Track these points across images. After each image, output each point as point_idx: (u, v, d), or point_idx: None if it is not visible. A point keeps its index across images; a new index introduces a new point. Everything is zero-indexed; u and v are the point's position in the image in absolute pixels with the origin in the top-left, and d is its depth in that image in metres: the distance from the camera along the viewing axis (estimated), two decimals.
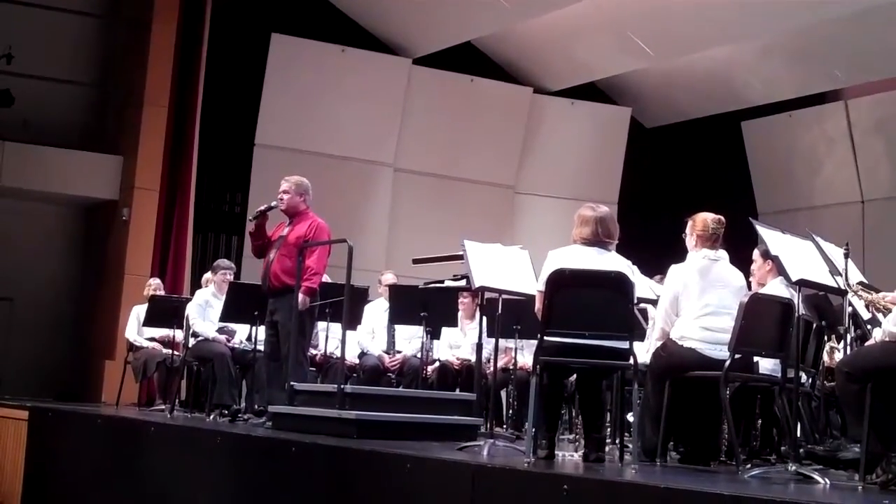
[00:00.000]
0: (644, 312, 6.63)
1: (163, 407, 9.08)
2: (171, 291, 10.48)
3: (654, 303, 6.26)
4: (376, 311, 9.11)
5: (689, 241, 5.73)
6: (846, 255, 5.50)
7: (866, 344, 5.40)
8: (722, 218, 5.72)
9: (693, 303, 5.52)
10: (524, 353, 8.21)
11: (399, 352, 8.99)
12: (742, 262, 6.10)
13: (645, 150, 13.54)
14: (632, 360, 5.25)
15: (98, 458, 7.38)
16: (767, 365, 5.76)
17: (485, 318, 6.71)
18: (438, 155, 12.72)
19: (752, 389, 5.95)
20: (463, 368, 8.62)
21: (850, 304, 5.80)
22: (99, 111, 11.91)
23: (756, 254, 6.44)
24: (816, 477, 4.81)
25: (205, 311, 8.84)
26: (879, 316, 5.44)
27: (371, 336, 9.08)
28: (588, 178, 13.12)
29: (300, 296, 6.99)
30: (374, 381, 8.69)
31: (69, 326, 11.54)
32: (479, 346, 6.62)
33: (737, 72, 12.23)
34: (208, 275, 9.37)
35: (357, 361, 8.96)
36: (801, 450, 5.44)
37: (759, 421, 6.25)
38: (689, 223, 5.75)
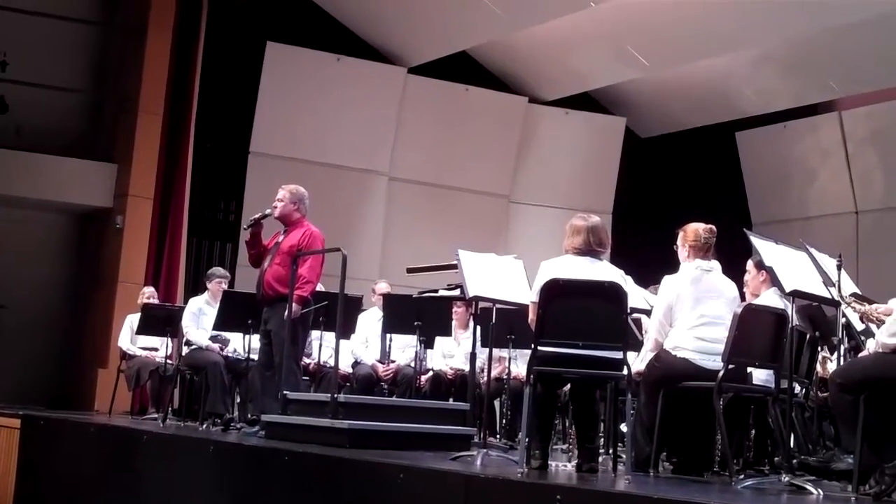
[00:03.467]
0: (638, 322, 6.63)
1: (155, 415, 9.06)
2: (165, 299, 10.47)
3: (647, 313, 6.26)
4: (370, 320, 9.10)
5: (682, 252, 5.72)
6: (839, 267, 5.51)
7: (860, 355, 5.40)
8: (713, 227, 5.72)
9: (686, 313, 5.51)
10: (518, 363, 8.21)
11: (393, 361, 8.97)
12: (736, 272, 6.10)
13: (639, 160, 13.55)
14: (625, 371, 5.24)
15: (90, 466, 7.36)
16: (761, 375, 5.76)
17: (478, 328, 6.71)
18: (433, 164, 12.72)
19: (746, 400, 5.95)
20: (456, 378, 8.61)
21: (844, 315, 5.80)
22: (93, 118, 11.90)
23: (750, 264, 6.45)
24: (809, 488, 4.82)
25: (198, 318, 8.83)
26: (873, 327, 5.44)
27: (365, 345, 9.06)
28: (582, 187, 13.12)
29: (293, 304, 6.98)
30: (367, 391, 8.68)
31: (62, 334, 11.51)
32: (473, 356, 6.61)
33: (731, 82, 12.25)
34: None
35: (350, 371, 8.95)
36: (795, 460, 5.44)
37: (753, 431, 6.26)
38: (681, 234, 5.74)
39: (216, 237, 12.25)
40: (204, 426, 8.04)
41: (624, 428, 6.02)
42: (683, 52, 11.52)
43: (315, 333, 8.38)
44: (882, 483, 4.45)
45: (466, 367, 7.71)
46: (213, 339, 8.73)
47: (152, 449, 6.83)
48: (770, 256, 5.58)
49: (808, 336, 6.14)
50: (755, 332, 5.33)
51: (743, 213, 12.77)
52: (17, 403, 9.47)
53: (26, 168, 10.88)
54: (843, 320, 5.81)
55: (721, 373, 5.20)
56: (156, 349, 9.51)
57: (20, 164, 10.86)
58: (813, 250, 5.65)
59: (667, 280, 5.67)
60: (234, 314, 8.10)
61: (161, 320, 9.17)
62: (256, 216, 7.48)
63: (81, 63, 11.86)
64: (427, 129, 12.66)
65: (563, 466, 5.76)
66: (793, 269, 5.53)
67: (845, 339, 5.97)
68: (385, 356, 9.02)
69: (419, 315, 8.17)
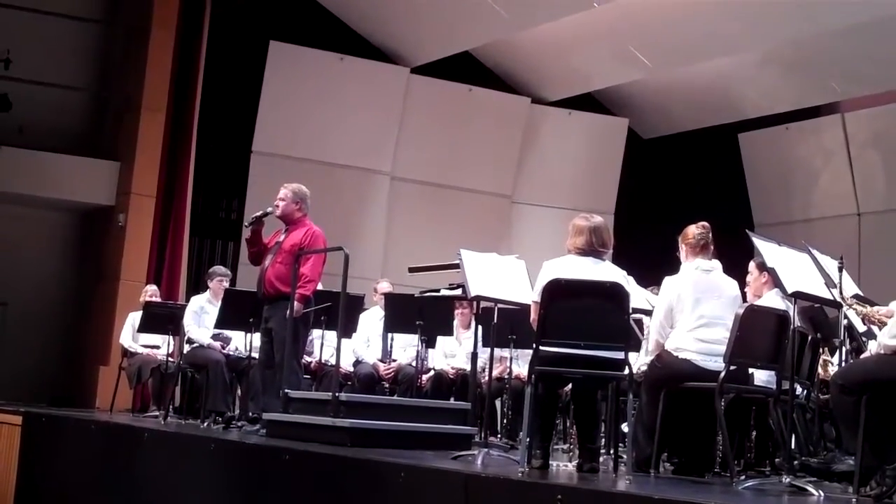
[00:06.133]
0: (639, 323, 6.63)
1: (157, 413, 9.06)
2: (167, 298, 10.46)
3: (649, 313, 6.26)
4: (372, 319, 9.10)
5: (682, 254, 5.73)
6: (841, 268, 5.51)
7: (861, 357, 5.40)
8: (706, 223, 5.72)
9: (687, 314, 5.51)
10: (519, 363, 8.21)
11: (394, 360, 8.98)
12: (738, 273, 6.10)
13: (642, 161, 13.54)
14: (627, 371, 5.25)
15: (91, 464, 7.36)
16: (762, 377, 5.76)
17: (480, 328, 6.71)
18: (436, 164, 12.72)
19: (747, 401, 5.95)
20: (458, 377, 8.61)
21: (846, 317, 5.80)
22: (96, 117, 11.91)
23: (752, 266, 6.45)
24: (810, 489, 4.82)
25: (200, 317, 8.84)
26: (874, 329, 5.44)
27: (366, 344, 9.07)
28: (585, 188, 13.12)
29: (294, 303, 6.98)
30: (368, 390, 8.68)
31: (64, 332, 11.52)
32: (475, 356, 6.61)
33: (734, 84, 12.24)
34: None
35: (352, 369, 8.95)
36: (796, 462, 5.44)
37: (754, 433, 6.26)
38: (680, 238, 5.76)
39: (218, 236, 12.26)
40: (205, 424, 8.05)
41: (625, 428, 6.02)
42: (686, 54, 11.52)
43: (316, 332, 8.39)
44: (883, 484, 4.45)
45: (468, 367, 7.71)
46: (215, 337, 8.74)
47: (153, 447, 6.84)
48: (772, 258, 5.58)
49: (809, 337, 6.13)
50: (757, 333, 5.33)
51: (745, 215, 12.76)
52: (19, 401, 9.47)
53: (29, 166, 10.89)
54: (844, 322, 5.81)
55: (722, 374, 5.20)
56: (157, 347, 9.51)
57: (23, 162, 10.86)
58: (815, 252, 5.66)
59: (667, 281, 5.68)
60: (235, 312, 8.10)
61: (163, 318, 9.17)
62: (258, 214, 7.47)
63: (85, 61, 11.87)
64: (430, 129, 12.66)
65: (563, 466, 5.76)
66: (795, 271, 5.53)
67: (847, 341, 5.97)
68: (386, 355, 9.03)
69: (421, 314, 8.16)
